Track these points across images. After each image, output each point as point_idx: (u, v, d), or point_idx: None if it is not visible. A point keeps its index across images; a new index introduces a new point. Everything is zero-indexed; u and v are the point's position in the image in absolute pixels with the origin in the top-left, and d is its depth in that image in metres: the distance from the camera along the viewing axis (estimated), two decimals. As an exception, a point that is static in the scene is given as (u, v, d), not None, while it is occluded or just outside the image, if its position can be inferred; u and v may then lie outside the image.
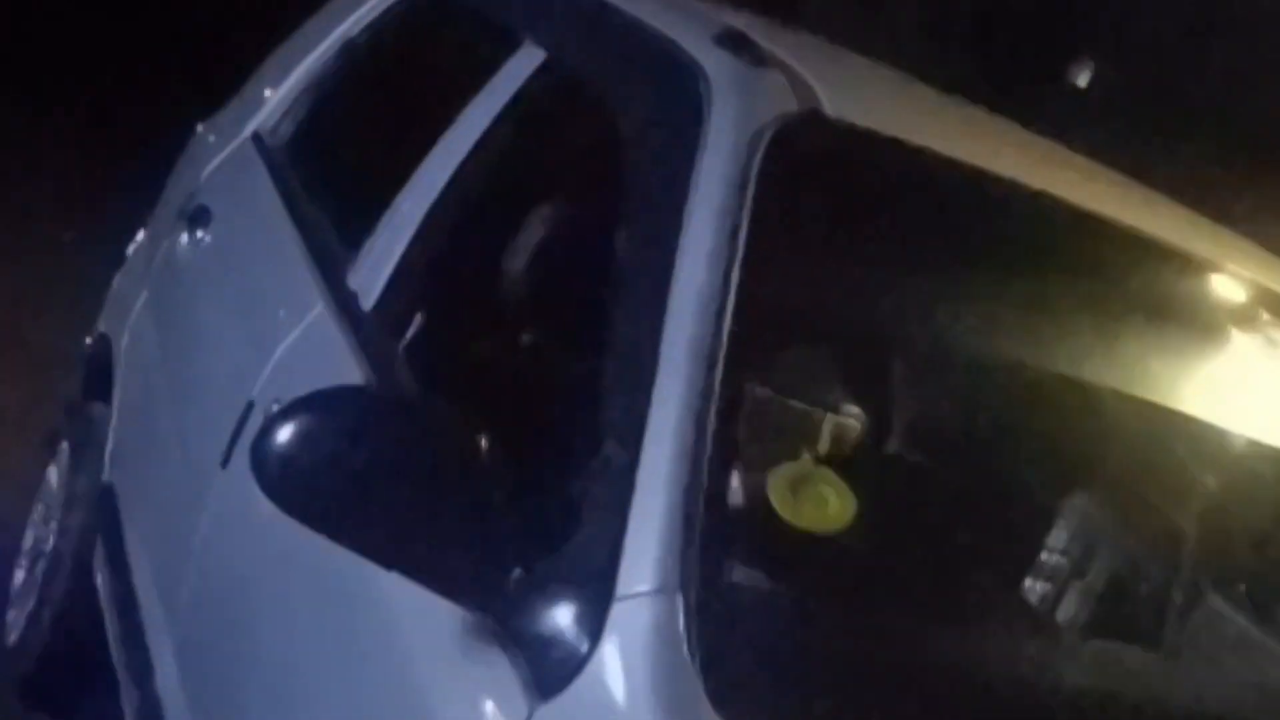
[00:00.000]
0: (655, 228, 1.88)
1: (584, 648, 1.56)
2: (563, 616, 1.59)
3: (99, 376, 3.35)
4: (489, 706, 1.62)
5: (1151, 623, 2.13)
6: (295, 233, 2.72)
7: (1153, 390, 2.28)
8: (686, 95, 2.02)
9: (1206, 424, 2.30)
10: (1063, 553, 2.18)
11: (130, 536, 2.89)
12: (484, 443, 1.64)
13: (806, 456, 1.73)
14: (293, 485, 1.63)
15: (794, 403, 1.88)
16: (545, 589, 1.62)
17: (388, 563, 1.66)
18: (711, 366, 1.70)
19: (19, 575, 3.48)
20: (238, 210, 3.03)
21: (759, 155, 1.91)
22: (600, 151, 2.13)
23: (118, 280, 3.53)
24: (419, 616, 1.75)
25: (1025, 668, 1.76)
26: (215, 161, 3.28)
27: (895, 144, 2.09)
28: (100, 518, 3.06)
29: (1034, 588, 2.15)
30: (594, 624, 1.57)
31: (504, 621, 1.64)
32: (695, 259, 1.80)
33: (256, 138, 3.21)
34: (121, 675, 2.72)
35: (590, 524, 1.65)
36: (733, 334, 1.72)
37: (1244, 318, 2.41)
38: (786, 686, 1.54)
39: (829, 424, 1.85)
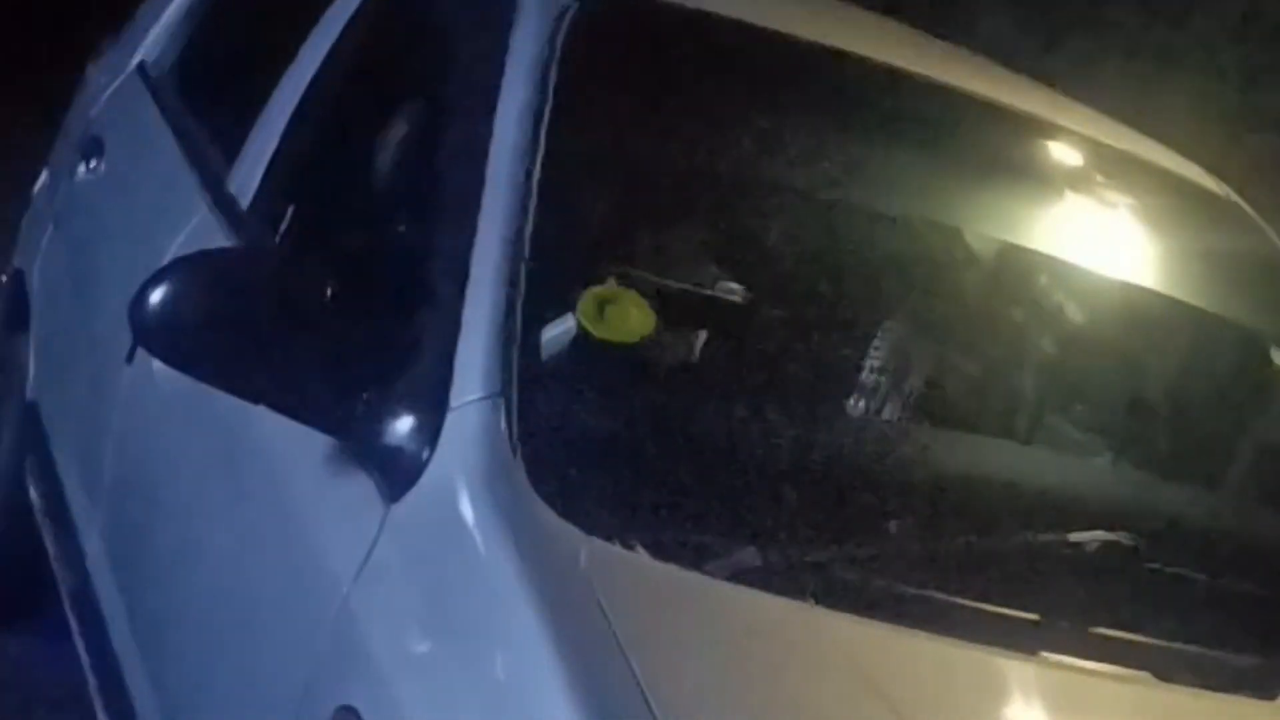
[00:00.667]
0: (476, 101, 2.15)
1: (425, 454, 1.84)
2: (405, 428, 1.87)
3: (16, 309, 3.59)
4: (350, 517, 1.90)
5: (966, 414, 2.39)
6: (178, 150, 2.98)
7: (971, 228, 2.56)
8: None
9: (1025, 255, 2.57)
10: (880, 370, 2.44)
11: (55, 445, 3.15)
12: (330, 289, 1.92)
13: (612, 279, 2.00)
14: (167, 337, 1.91)
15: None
16: (390, 407, 1.90)
17: (255, 398, 1.94)
18: (524, 211, 1.97)
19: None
20: (127, 137, 3.28)
21: (563, 31, 2.18)
22: (445, 50, 2.39)
23: (26, 218, 3.77)
24: (292, 453, 2.03)
25: (842, 450, 2.04)
26: (105, 95, 3.52)
27: (700, 14, 2.36)
28: (27, 433, 3.32)
29: (856, 402, 2.41)
30: (431, 432, 1.84)
31: (358, 440, 1.91)
32: (509, 119, 2.08)
33: (141, 68, 3.45)
34: (57, 569, 2.99)
35: (426, 349, 1.92)
36: (541, 181, 2.00)
37: (1068, 170, 2.69)
38: (601, 471, 1.82)
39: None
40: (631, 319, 1.95)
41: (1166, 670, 1.89)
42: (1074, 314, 2.53)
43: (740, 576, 1.76)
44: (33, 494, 3.25)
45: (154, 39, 3.50)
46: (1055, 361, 2.52)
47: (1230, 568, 2.10)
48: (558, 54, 2.16)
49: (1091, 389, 2.51)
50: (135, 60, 3.51)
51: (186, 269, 1.93)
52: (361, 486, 1.90)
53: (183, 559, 2.34)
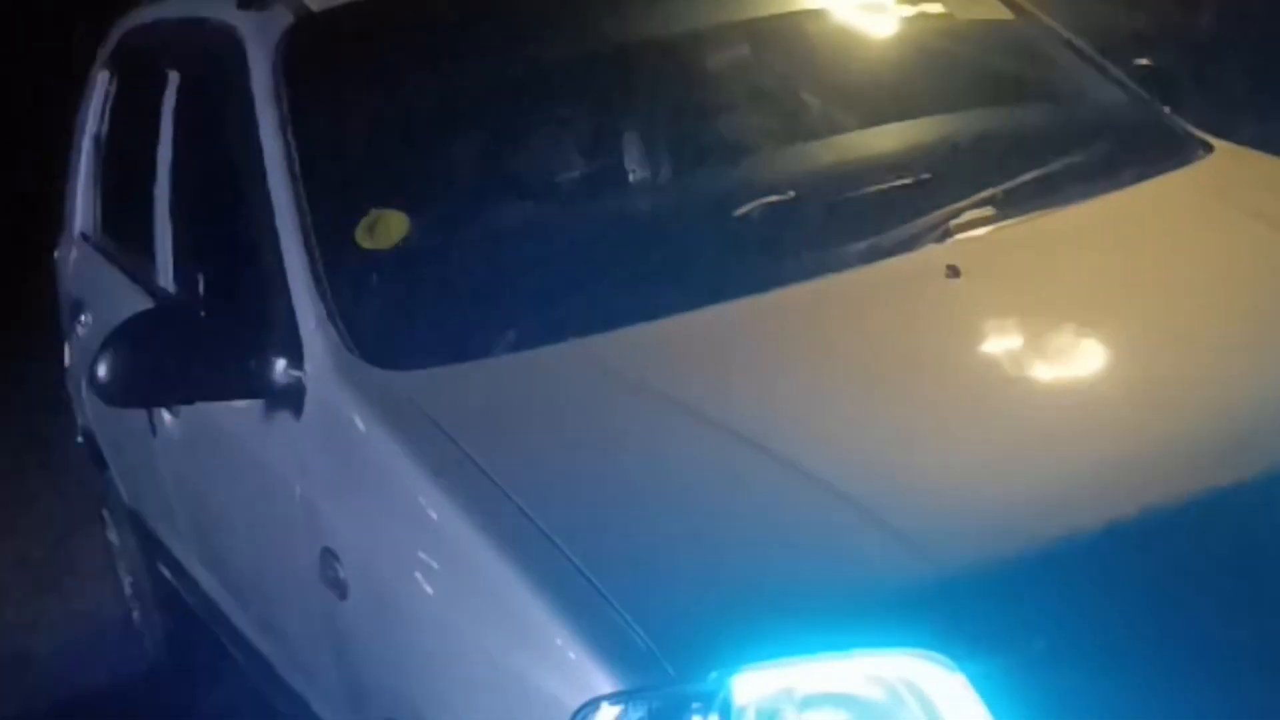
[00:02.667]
0: (246, 134, 3.02)
1: (301, 376, 2.72)
2: (283, 367, 2.75)
3: (97, 455, 4.59)
4: (285, 443, 2.79)
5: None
6: (124, 278, 3.93)
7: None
8: (233, 49, 3.17)
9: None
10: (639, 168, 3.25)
11: (158, 531, 4.12)
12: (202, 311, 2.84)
13: (374, 210, 2.86)
14: (116, 393, 2.82)
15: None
16: (273, 360, 2.78)
17: (191, 401, 2.86)
18: (299, 196, 2.85)
19: (136, 613, 4.76)
20: (91, 289, 4.26)
21: (280, 58, 3.05)
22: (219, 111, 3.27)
23: (70, 385, 4.77)
24: (242, 429, 2.94)
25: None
26: (69, 269, 4.50)
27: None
28: (140, 532, 4.30)
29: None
30: (298, 361, 2.73)
31: (267, 392, 2.80)
32: (268, 136, 2.95)
33: (83, 236, 4.42)
34: (217, 632, 3.91)
35: (278, 311, 2.79)
36: (304, 172, 2.87)
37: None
38: (400, 335, 2.67)
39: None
40: (391, 227, 2.81)
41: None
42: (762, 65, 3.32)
43: (517, 343, 2.60)
44: (161, 569, 4.22)
45: (80, 214, 4.48)
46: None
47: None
48: (283, 75, 3.02)
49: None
50: (77, 233, 4.49)
51: (105, 343, 2.83)
52: (282, 420, 2.79)
53: (229, 533, 3.30)
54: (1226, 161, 3.04)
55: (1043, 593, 2.06)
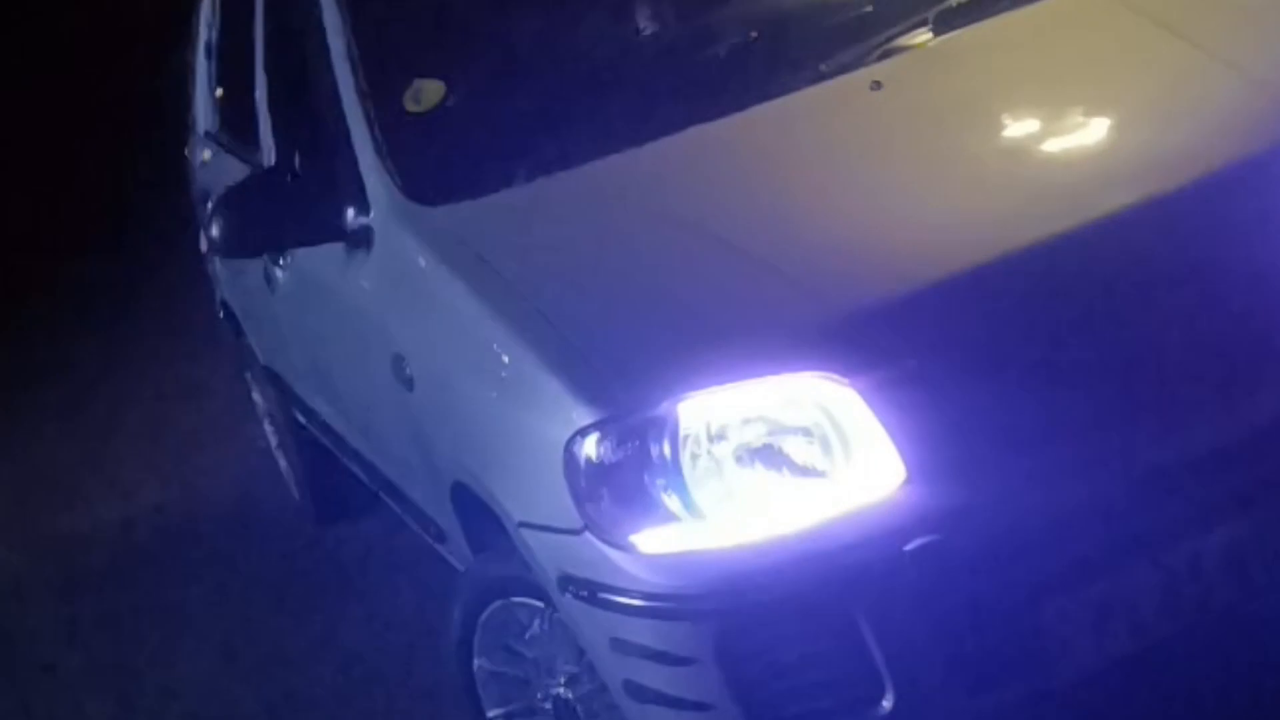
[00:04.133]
0: (316, 39, 3.73)
1: (369, 219, 3.45)
2: (355, 213, 3.48)
3: (235, 323, 5.40)
4: (363, 278, 3.52)
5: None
6: (236, 163, 4.70)
7: None
8: None
9: None
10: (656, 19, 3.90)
11: (286, 378, 4.91)
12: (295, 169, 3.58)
13: (417, 80, 3.56)
14: (228, 245, 3.59)
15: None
16: (344, 210, 3.51)
17: (284, 247, 3.62)
18: (358, 71, 3.56)
19: (282, 463, 5.59)
20: (215, 177, 5.04)
21: None
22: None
23: (209, 268, 5.58)
24: (331, 272, 3.67)
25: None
26: (198, 163, 5.30)
27: None
28: (275, 385, 5.10)
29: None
30: (365, 207, 3.46)
31: (346, 236, 3.54)
32: (333, 30, 3.66)
33: (206, 133, 5.22)
34: (339, 456, 4.68)
35: (347, 168, 3.50)
36: (363, 55, 3.57)
37: None
38: (443, 176, 3.38)
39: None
40: (430, 93, 3.52)
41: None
42: None
43: (529, 173, 3.29)
44: (297, 415, 5.02)
45: (202, 116, 5.27)
46: None
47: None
48: None
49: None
50: (201, 133, 5.28)
51: (214, 206, 3.59)
52: (357, 257, 3.53)
53: (333, 362, 4.07)
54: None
55: (917, 321, 2.71)
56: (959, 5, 3.46)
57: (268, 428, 5.57)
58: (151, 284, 7.70)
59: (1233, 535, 2.78)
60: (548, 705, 3.26)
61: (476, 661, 3.34)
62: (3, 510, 6.35)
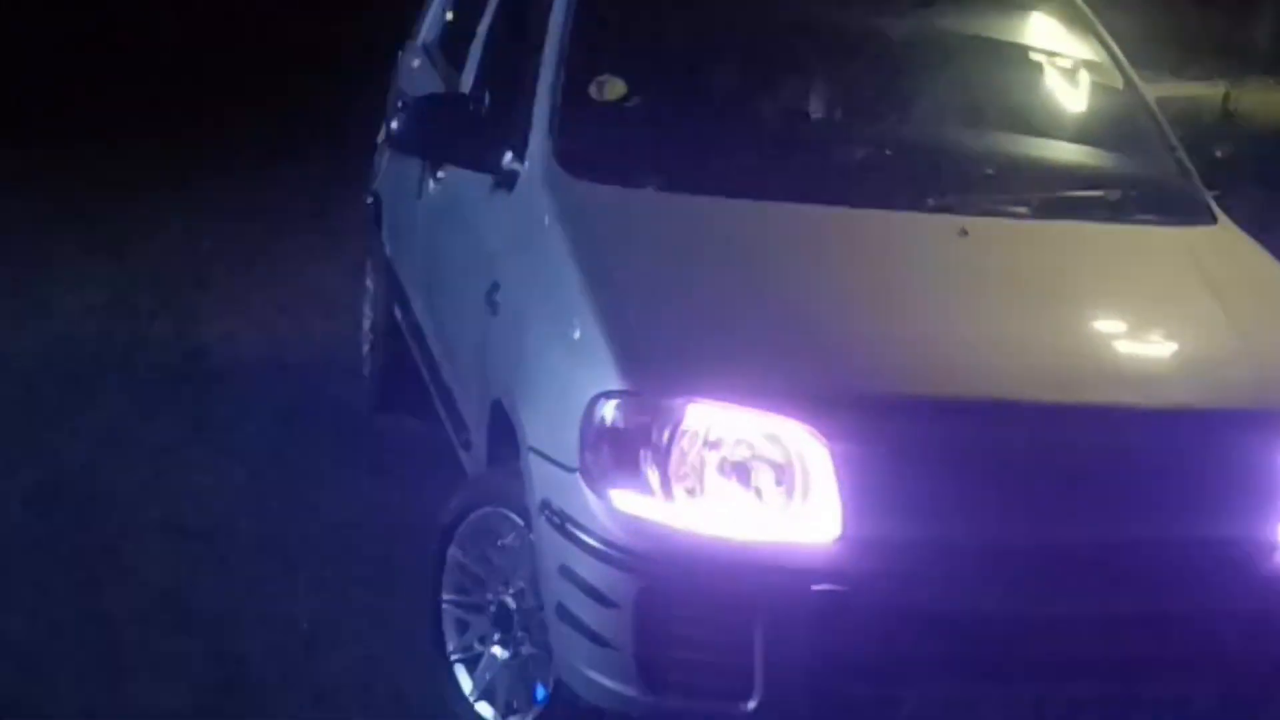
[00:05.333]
0: (544, 13, 4.38)
1: (521, 167, 4.08)
2: (510, 159, 4.11)
3: (378, 214, 6.07)
4: (493, 210, 4.16)
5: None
6: (436, 78, 5.37)
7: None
8: None
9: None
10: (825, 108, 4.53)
11: (402, 276, 5.56)
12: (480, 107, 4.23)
13: (609, 77, 4.19)
14: (403, 141, 4.24)
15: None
16: (504, 151, 4.14)
17: (447, 160, 4.26)
18: (563, 51, 4.19)
19: (365, 346, 6.25)
20: (414, 84, 5.71)
21: None
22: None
23: (375, 161, 6.25)
24: (472, 194, 4.30)
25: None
26: (404, 68, 5.98)
27: None
28: (389, 277, 5.76)
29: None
30: (523, 156, 4.08)
31: (498, 172, 4.16)
32: (557, 14, 4.31)
33: (423, 45, 5.90)
34: (415, 353, 5.33)
35: (520, 124, 4.15)
36: (572, 39, 4.21)
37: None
38: (597, 154, 4.01)
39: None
40: (613, 89, 4.15)
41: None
42: (911, 64, 4.56)
43: (662, 185, 3.90)
44: (396, 313, 5.66)
45: (426, 29, 5.95)
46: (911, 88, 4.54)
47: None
48: None
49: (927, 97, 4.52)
50: (419, 43, 5.96)
51: (407, 105, 4.24)
52: (499, 194, 4.16)
53: (445, 271, 4.70)
54: (1219, 234, 4.14)
55: (900, 420, 3.28)
56: (1061, 200, 4.02)
57: (367, 310, 6.22)
58: (332, 178, 8.40)
59: (1085, 697, 3.32)
60: (492, 607, 3.85)
61: (452, 549, 3.94)
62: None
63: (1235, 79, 15.78)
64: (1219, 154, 4.48)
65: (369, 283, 6.27)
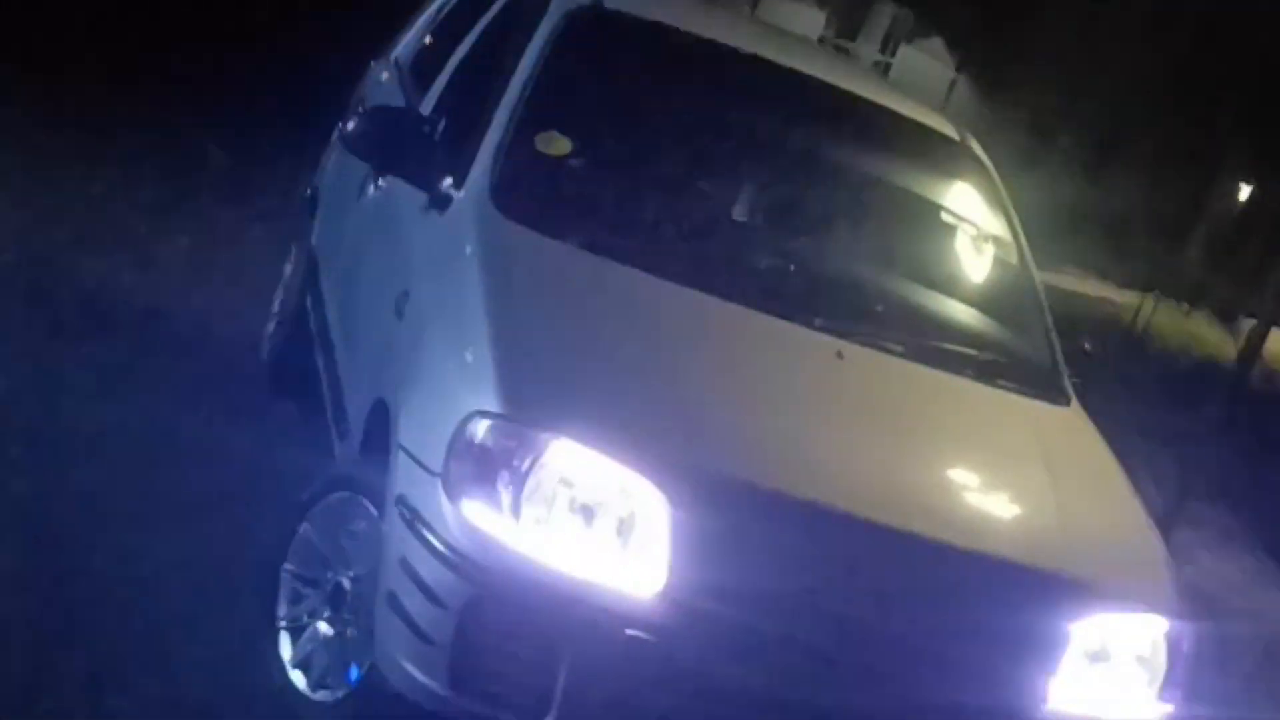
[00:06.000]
0: (513, 56, 4.72)
1: (457, 193, 4.38)
2: (449, 183, 4.41)
3: (313, 207, 6.35)
4: (422, 227, 4.46)
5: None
6: (400, 94, 5.68)
7: (796, 146, 5.00)
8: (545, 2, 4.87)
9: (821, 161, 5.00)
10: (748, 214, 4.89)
11: (321, 269, 5.85)
12: (434, 130, 4.55)
13: (557, 134, 4.52)
14: (352, 144, 4.55)
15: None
16: (445, 176, 4.44)
17: (389, 171, 4.56)
18: (520, 102, 4.52)
19: (270, 326, 6.50)
20: (376, 94, 6.02)
21: (560, 24, 4.73)
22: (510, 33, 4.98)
23: (322, 157, 6.54)
24: (404, 209, 4.61)
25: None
26: (372, 78, 6.30)
27: (638, 20, 4.89)
28: (309, 268, 6.03)
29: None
30: (461, 184, 4.38)
31: (434, 192, 4.47)
32: (526, 63, 4.64)
33: (395, 60, 6.22)
34: (315, 342, 5.60)
35: (466, 156, 4.45)
36: (532, 95, 4.54)
37: (855, 121, 5.08)
38: (528, 203, 4.32)
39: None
40: (558, 145, 4.48)
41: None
42: (834, 195, 4.95)
43: (583, 243, 4.21)
44: (307, 302, 5.93)
45: (402, 45, 6.27)
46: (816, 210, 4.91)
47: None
48: (558, 31, 4.71)
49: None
50: (392, 56, 6.28)
51: (365, 111, 4.55)
52: (430, 213, 4.46)
53: (363, 272, 4.99)
54: (1069, 415, 4.53)
55: (735, 502, 3.61)
56: (935, 349, 4.39)
57: (279, 294, 6.48)
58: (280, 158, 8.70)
59: None
60: (329, 586, 4.13)
61: (304, 525, 4.22)
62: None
63: (1157, 296, 16.59)
64: (1087, 347, 4.87)
65: (287, 267, 6.53)
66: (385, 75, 6.23)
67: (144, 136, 9.06)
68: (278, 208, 7.75)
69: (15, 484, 4.78)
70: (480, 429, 3.59)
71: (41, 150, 8.20)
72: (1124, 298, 16.60)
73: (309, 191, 6.55)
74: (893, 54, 25.37)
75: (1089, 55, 23.12)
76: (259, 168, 8.79)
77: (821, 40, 24.55)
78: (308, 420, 5.55)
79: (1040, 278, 4.94)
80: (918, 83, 23.83)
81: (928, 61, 24.31)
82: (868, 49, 25.72)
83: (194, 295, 7.09)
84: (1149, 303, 15.73)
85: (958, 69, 24.30)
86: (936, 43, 24.54)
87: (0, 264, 6.59)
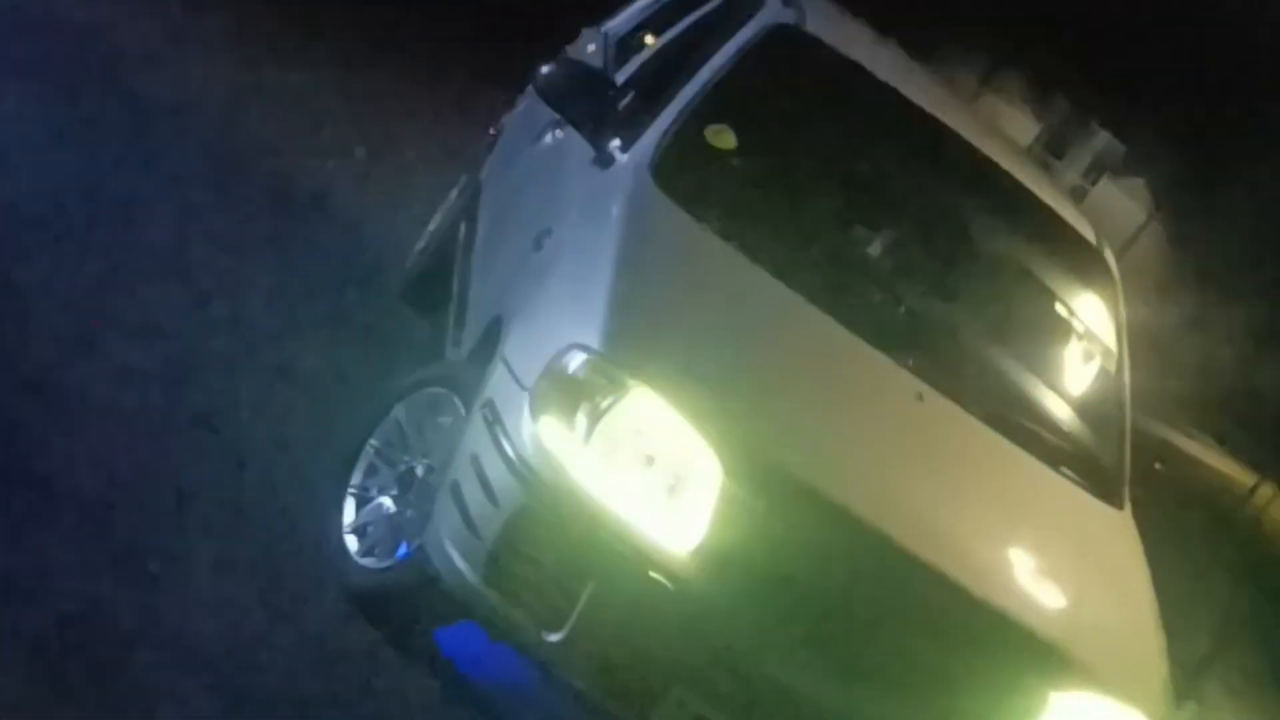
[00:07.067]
0: (712, 48, 5.09)
1: (621, 156, 4.76)
2: (617, 144, 4.80)
3: (493, 144, 6.77)
4: (578, 177, 4.85)
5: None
6: (600, 60, 6.08)
7: (935, 202, 5.33)
8: (752, 6, 5.24)
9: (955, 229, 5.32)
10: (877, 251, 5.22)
11: (482, 199, 6.25)
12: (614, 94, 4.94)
13: (726, 127, 4.87)
14: (541, 86, 4.94)
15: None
16: (614, 138, 4.82)
17: (568, 118, 4.95)
18: (701, 95, 4.89)
19: (420, 243, 6.93)
20: (585, 55, 6.42)
21: (765, 27, 5.10)
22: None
23: (515, 100, 6.96)
24: (576, 156, 4.99)
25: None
26: (581, 42, 6.70)
27: (833, 52, 5.25)
28: (472, 197, 6.44)
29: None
30: (628, 149, 4.76)
31: (599, 148, 4.84)
32: (723, 56, 5.01)
33: (605, 32, 6.62)
34: (456, 265, 6.01)
35: (639, 127, 4.83)
36: (716, 86, 4.92)
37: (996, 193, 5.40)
38: (684, 182, 4.68)
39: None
40: (725, 138, 4.84)
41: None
42: (962, 258, 5.26)
43: (721, 232, 4.56)
44: (461, 229, 6.34)
45: (617, 22, 6.67)
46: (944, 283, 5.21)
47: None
48: (757, 40, 5.07)
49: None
50: (604, 30, 6.69)
51: (562, 60, 4.94)
52: (593, 168, 4.83)
53: (517, 205, 5.38)
54: (1117, 518, 4.79)
55: (784, 492, 3.93)
56: (1011, 420, 4.68)
57: (438, 214, 6.91)
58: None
59: None
60: (402, 467, 4.52)
61: (397, 407, 4.60)
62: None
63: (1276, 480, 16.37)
64: (1157, 465, 5.13)
65: (452, 193, 6.95)
66: (593, 44, 6.63)
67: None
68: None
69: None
70: (576, 360, 3.94)
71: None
72: (1238, 474, 16.47)
73: (492, 130, 6.96)
74: (1094, 182, 25.36)
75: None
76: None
77: (1029, 149, 24.76)
78: (430, 329, 5.98)
79: (1130, 396, 5.19)
80: (1110, 214, 23.93)
81: (1124, 198, 24.30)
82: (1071, 170, 25.76)
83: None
84: (1268, 489, 15.64)
85: (1153, 213, 24.27)
86: (1139, 183, 24.51)
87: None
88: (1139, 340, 5.53)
